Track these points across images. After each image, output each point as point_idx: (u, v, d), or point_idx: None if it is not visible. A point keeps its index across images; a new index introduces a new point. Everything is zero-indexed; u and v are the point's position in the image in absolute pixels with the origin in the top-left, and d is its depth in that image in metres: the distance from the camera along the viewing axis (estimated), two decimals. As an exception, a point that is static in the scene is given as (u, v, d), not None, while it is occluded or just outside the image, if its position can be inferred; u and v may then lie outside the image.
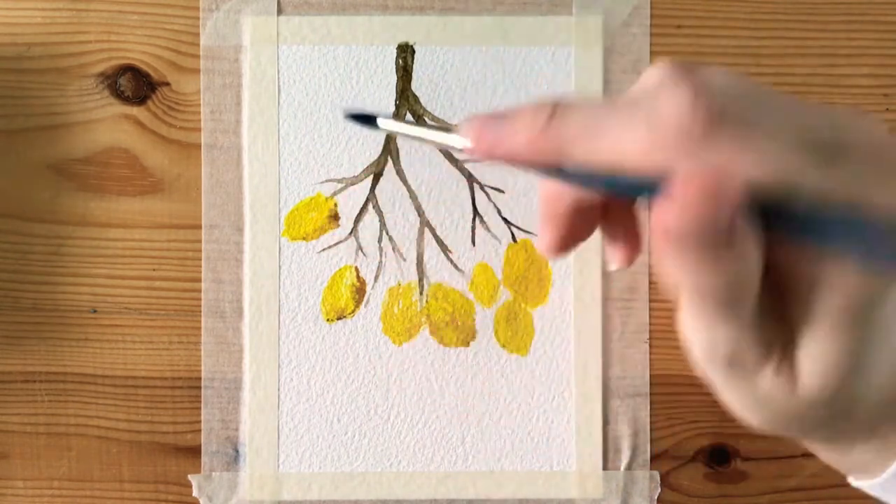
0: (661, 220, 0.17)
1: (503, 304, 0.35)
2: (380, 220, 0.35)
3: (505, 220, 0.35)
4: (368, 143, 0.35)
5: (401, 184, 0.35)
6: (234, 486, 0.35)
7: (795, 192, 0.17)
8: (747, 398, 0.23)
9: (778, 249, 0.20)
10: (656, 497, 0.35)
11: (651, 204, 0.18)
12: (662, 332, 0.35)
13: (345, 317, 0.35)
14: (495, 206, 0.35)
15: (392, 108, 0.35)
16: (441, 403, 0.35)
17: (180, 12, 0.35)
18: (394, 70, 0.35)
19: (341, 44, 0.35)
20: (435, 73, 0.35)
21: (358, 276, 0.35)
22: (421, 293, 0.35)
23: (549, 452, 0.35)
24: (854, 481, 0.26)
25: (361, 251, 0.35)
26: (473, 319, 0.35)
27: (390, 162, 0.35)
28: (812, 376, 0.21)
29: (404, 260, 0.35)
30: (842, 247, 0.17)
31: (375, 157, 0.35)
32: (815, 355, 0.21)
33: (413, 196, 0.35)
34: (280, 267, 0.35)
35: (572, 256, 0.35)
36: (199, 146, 0.35)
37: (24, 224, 0.35)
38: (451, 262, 0.35)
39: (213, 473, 0.35)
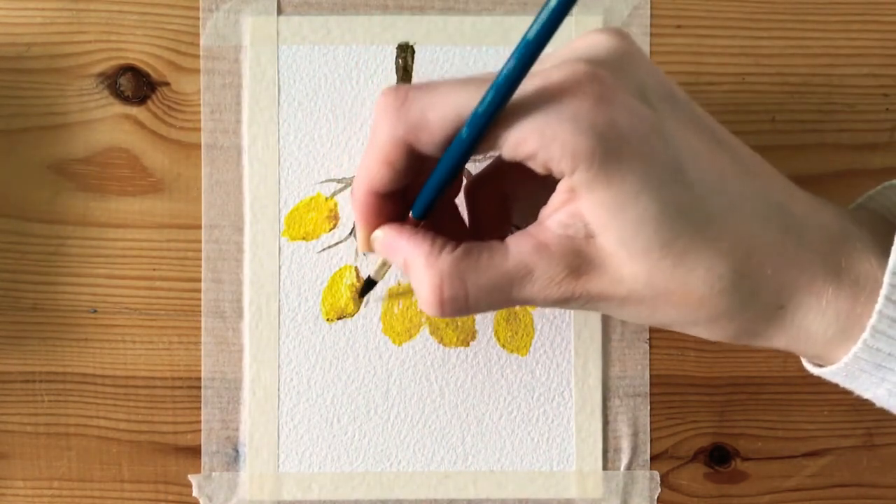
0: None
1: (503, 304, 0.35)
2: (380, 220, 0.35)
3: (505, 220, 0.35)
4: (368, 143, 0.35)
5: (401, 184, 0.35)
6: (234, 486, 0.35)
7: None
8: (623, 313, 0.25)
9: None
10: (656, 497, 0.35)
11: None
12: (662, 332, 0.35)
13: (345, 317, 0.35)
14: (495, 206, 0.35)
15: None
16: (441, 403, 0.35)
17: (180, 12, 0.35)
18: (394, 70, 0.35)
19: (341, 44, 0.35)
20: (435, 73, 0.35)
21: (358, 276, 0.35)
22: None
23: (549, 452, 0.35)
24: (813, 369, 0.26)
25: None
26: (473, 319, 0.35)
27: (390, 162, 0.35)
28: (607, 246, 0.24)
29: (404, 260, 0.35)
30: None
31: (375, 157, 0.35)
32: (590, 233, 0.24)
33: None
34: (280, 267, 0.35)
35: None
36: (199, 146, 0.35)
37: (24, 224, 0.35)
38: (451, 262, 0.35)
39: (213, 473, 0.35)
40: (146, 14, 0.35)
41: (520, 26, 0.35)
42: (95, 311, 0.35)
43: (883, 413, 0.35)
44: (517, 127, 0.23)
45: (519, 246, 0.25)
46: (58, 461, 0.35)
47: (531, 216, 0.26)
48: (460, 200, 0.31)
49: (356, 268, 0.35)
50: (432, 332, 0.35)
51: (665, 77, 0.25)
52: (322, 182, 0.35)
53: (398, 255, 0.27)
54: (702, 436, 0.36)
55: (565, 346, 0.35)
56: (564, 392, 0.35)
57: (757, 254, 0.24)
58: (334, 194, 0.35)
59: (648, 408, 0.35)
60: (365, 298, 0.35)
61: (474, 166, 0.35)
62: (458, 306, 0.25)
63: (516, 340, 0.35)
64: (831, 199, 0.26)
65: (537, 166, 0.23)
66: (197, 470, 0.35)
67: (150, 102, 0.35)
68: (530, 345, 0.35)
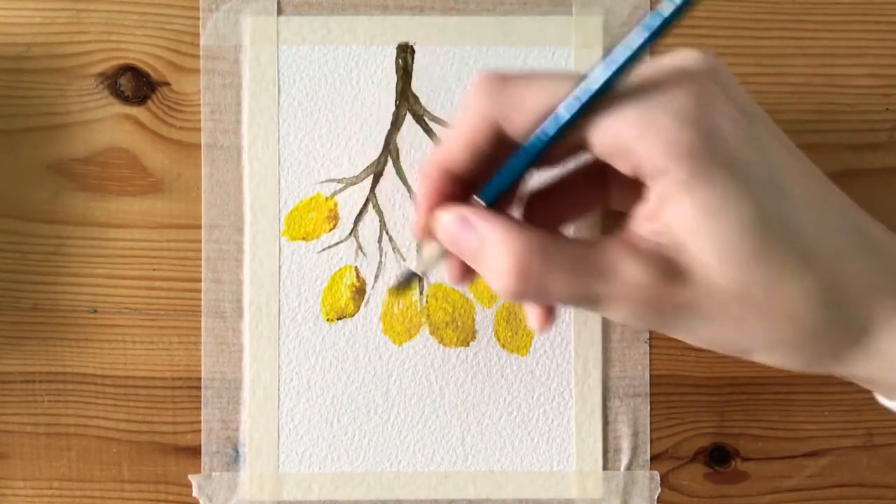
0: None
1: (503, 304, 0.35)
2: (380, 220, 0.35)
3: (505, 220, 0.35)
4: (368, 143, 0.35)
5: (401, 183, 0.35)
6: (234, 486, 0.35)
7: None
8: (703, 338, 0.25)
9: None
10: (656, 497, 0.35)
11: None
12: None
13: (345, 317, 0.35)
14: (495, 206, 0.35)
15: (392, 108, 0.35)
16: (441, 403, 0.35)
17: (180, 12, 0.35)
18: (394, 70, 0.35)
19: (341, 44, 0.35)
20: (435, 73, 0.35)
21: (358, 276, 0.35)
22: (421, 293, 0.35)
23: (549, 452, 0.35)
24: (889, 403, 0.26)
25: (361, 251, 0.35)
26: (473, 319, 0.35)
27: (390, 162, 0.35)
28: (699, 255, 0.23)
29: (404, 260, 0.35)
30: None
31: (375, 156, 0.35)
32: (677, 229, 0.23)
33: (413, 196, 0.35)
34: (280, 267, 0.35)
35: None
36: (199, 146, 0.35)
37: (24, 224, 0.35)
38: (451, 262, 0.35)
39: (213, 473, 0.35)
40: (146, 14, 0.35)
41: (519, 26, 0.35)
42: (95, 311, 0.35)
43: (883, 413, 0.35)
44: (615, 114, 0.22)
45: (607, 243, 0.24)
46: (58, 461, 0.35)
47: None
48: None
49: (356, 268, 0.35)
50: (432, 332, 0.35)
51: (749, 96, 0.25)
52: (322, 182, 0.35)
53: (471, 236, 0.25)
54: (702, 436, 0.36)
55: (565, 346, 0.35)
56: (564, 392, 0.35)
57: (844, 272, 0.23)
58: (334, 194, 0.35)
59: (648, 408, 0.35)
60: (365, 298, 0.35)
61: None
62: (539, 284, 0.23)
63: (516, 340, 0.35)
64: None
65: (626, 163, 0.23)
66: (197, 470, 0.35)
67: (150, 102, 0.35)
68: (530, 345, 0.35)
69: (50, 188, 0.35)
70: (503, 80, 0.24)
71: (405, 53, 0.35)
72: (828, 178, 0.25)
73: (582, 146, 0.24)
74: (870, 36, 0.35)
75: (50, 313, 0.35)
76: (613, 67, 0.22)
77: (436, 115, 0.35)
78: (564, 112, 0.23)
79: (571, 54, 0.35)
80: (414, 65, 0.35)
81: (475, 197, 0.25)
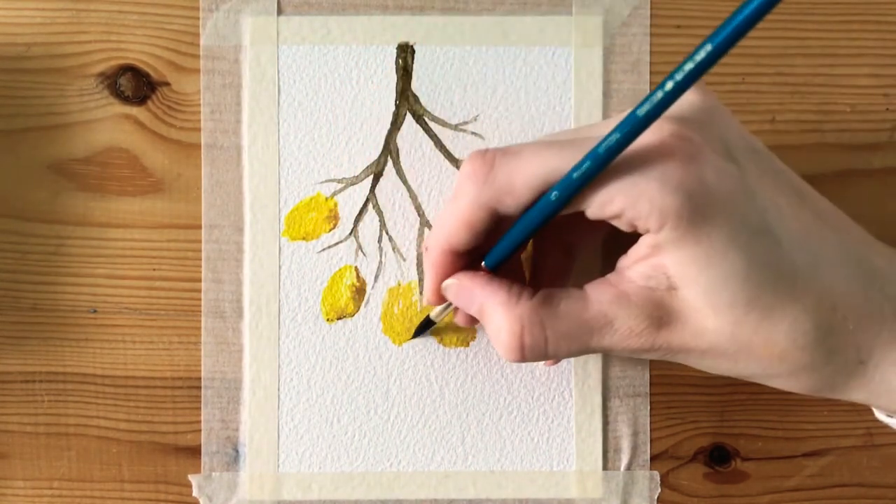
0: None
1: (503, 304, 0.35)
2: (380, 220, 0.35)
3: (505, 220, 0.35)
4: (368, 143, 0.35)
5: (401, 184, 0.35)
6: (234, 486, 0.35)
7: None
8: (707, 366, 0.26)
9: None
10: (656, 497, 0.35)
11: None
12: (662, 332, 0.35)
13: (345, 317, 0.35)
14: (495, 206, 0.35)
15: (392, 108, 0.35)
16: (441, 403, 0.35)
17: (180, 12, 0.35)
18: (394, 70, 0.35)
19: (341, 44, 0.35)
20: (435, 73, 0.35)
21: (358, 276, 0.35)
22: (421, 293, 0.35)
23: (549, 452, 0.35)
24: (886, 419, 0.26)
25: (361, 251, 0.35)
26: (473, 319, 0.35)
27: (390, 162, 0.35)
28: (691, 300, 0.24)
29: (404, 260, 0.35)
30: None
31: (375, 156, 0.35)
32: (674, 277, 0.24)
33: (413, 196, 0.35)
34: (280, 267, 0.35)
35: (572, 256, 0.35)
36: (199, 146, 0.35)
37: (24, 224, 0.35)
38: (451, 262, 0.35)
39: (213, 473, 0.35)
40: (146, 14, 0.35)
41: (519, 26, 0.35)
42: (95, 311, 0.35)
43: (883, 413, 0.35)
44: (605, 188, 0.23)
45: (599, 295, 0.25)
46: (58, 461, 0.35)
47: (594, 270, 0.26)
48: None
49: (356, 268, 0.35)
50: (432, 332, 0.35)
51: (746, 131, 0.25)
52: (322, 182, 0.35)
53: (473, 302, 0.27)
54: (702, 436, 0.36)
55: (565, 346, 0.35)
56: (564, 392, 0.35)
57: (840, 309, 0.23)
58: (334, 194, 0.35)
59: (648, 408, 0.35)
60: (365, 298, 0.35)
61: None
62: (538, 352, 0.25)
63: (516, 340, 0.35)
64: (831, 199, 0.26)
65: (623, 224, 0.24)
66: (197, 470, 0.35)
67: (150, 102, 0.35)
68: (530, 345, 0.35)
69: (50, 188, 0.35)
70: (491, 165, 0.25)
71: (405, 53, 0.35)
72: (833, 205, 0.25)
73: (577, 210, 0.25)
74: (870, 36, 0.35)
75: (50, 313, 0.35)
76: (596, 157, 0.23)
77: (436, 115, 0.35)
78: (556, 196, 0.24)
79: (571, 54, 0.35)
80: (414, 65, 0.35)
81: (483, 264, 0.28)
